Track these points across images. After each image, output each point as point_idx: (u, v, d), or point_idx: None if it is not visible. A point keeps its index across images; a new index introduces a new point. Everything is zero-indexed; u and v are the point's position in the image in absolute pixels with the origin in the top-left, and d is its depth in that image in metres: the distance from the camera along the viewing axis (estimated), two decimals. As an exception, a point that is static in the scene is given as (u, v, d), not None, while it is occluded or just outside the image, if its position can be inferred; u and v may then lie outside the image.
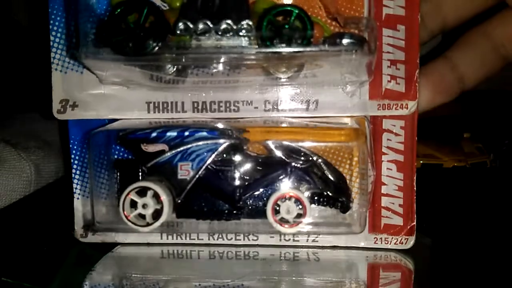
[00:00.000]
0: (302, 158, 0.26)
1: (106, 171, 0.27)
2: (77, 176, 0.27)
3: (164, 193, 0.24)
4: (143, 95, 0.26)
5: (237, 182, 0.25)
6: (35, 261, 0.25)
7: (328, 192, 0.26)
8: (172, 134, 0.25)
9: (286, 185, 0.26)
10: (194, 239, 0.27)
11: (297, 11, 0.21)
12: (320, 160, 0.26)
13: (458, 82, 0.28)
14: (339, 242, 0.27)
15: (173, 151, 0.25)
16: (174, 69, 0.24)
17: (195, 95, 0.26)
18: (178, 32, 0.21)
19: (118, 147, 0.28)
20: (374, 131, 0.26)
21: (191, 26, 0.21)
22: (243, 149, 0.26)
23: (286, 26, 0.21)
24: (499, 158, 0.41)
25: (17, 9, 0.49)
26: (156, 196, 0.24)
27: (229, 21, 0.20)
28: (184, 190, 0.25)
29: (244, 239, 0.27)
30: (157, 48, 0.21)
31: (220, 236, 0.27)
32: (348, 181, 0.26)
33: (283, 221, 0.25)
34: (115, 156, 0.28)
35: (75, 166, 0.27)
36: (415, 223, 0.26)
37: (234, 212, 0.26)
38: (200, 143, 0.25)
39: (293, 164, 0.26)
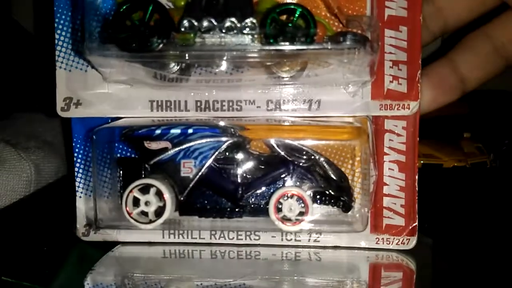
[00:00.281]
0: (304, 157, 0.26)
1: (108, 169, 0.27)
2: (79, 175, 0.27)
3: (167, 191, 0.24)
4: (146, 93, 0.26)
5: (239, 180, 0.26)
6: (35, 261, 0.25)
7: (330, 191, 0.26)
8: (176, 131, 0.25)
9: (288, 183, 0.26)
10: (196, 238, 0.27)
11: (300, 10, 0.21)
12: (322, 159, 0.26)
13: (459, 83, 0.28)
14: (341, 242, 0.27)
15: (176, 149, 0.25)
16: (178, 67, 0.24)
17: (198, 94, 0.26)
18: (183, 29, 0.21)
19: (120, 145, 0.28)
20: (376, 131, 0.26)
21: (195, 23, 0.21)
22: (245, 147, 0.26)
23: (290, 25, 0.21)
24: (499, 158, 0.41)
25: (22, 8, 0.49)
26: (158, 193, 0.24)
27: (233, 19, 0.21)
28: (187, 187, 0.25)
29: (245, 239, 0.27)
30: (161, 45, 0.21)
31: (222, 235, 0.27)
32: (350, 180, 0.26)
33: (285, 219, 0.25)
34: (118, 155, 0.28)
35: (77, 165, 0.27)
36: (417, 223, 0.26)
37: (237, 210, 0.26)
38: (203, 141, 0.25)
39: (295, 162, 0.26)
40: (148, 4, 0.21)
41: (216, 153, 0.25)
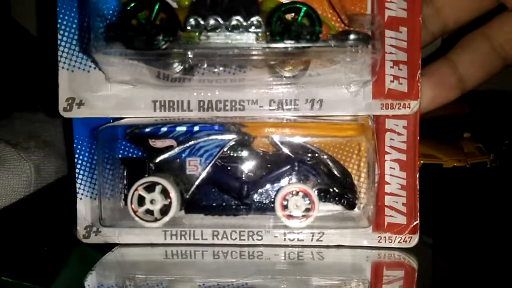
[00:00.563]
0: (309, 155, 0.26)
1: (110, 170, 0.27)
2: (80, 176, 0.27)
3: (173, 189, 0.24)
4: (149, 93, 0.26)
5: (245, 178, 0.26)
6: (35, 261, 0.25)
7: (335, 189, 0.26)
8: (181, 129, 0.25)
9: (294, 180, 0.26)
10: (198, 239, 0.27)
11: (305, 8, 0.21)
12: (326, 157, 0.26)
13: (459, 83, 0.28)
14: (344, 241, 0.27)
15: (182, 147, 0.25)
16: (181, 67, 0.24)
17: (201, 94, 0.26)
18: (189, 27, 0.21)
19: (123, 146, 0.28)
20: (377, 131, 0.26)
21: (201, 22, 0.21)
22: (251, 145, 0.26)
23: (295, 23, 0.21)
24: (499, 158, 0.41)
25: (24, 9, 0.49)
26: (164, 191, 0.24)
27: (239, 17, 0.21)
28: (193, 185, 0.25)
29: (248, 239, 0.27)
30: (167, 43, 0.21)
31: (224, 235, 0.27)
32: (356, 177, 0.27)
33: (291, 216, 0.25)
34: (119, 155, 0.28)
35: (78, 166, 0.27)
36: (418, 221, 0.26)
37: (242, 207, 0.26)
38: (208, 138, 0.25)
39: (300, 160, 0.26)
40: (154, 3, 0.21)
41: (222, 150, 0.25)
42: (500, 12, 0.28)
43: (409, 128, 0.26)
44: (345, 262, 0.26)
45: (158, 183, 0.24)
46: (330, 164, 0.26)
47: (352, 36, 0.22)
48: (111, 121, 0.27)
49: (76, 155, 0.27)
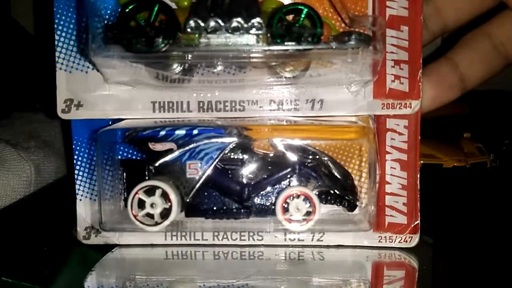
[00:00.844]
0: (310, 157, 0.26)
1: (110, 171, 0.27)
2: (79, 177, 0.27)
3: (173, 192, 0.24)
4: (148, 94, 0.26)
5: (245, 181, 0.25)
6: (35, 261, 0.25)
7: (336, 190, 0.26)
8: (180, 132, 0.25)
9: (294, 183, 0.26)
10: (199, 239, 0.27)
11: (307, 10, 0.21)
12: (326, 158, 0.26)
13: (459, 82, 0.28)
14: (344, 241, 0.27)
15: (182, 150, 0.25)
16: (181, 68, 0.24)
17: (201, 95, 0.26)
18: (189, 30, 0.21)
19: (122, 147, 0.28)
20: (378, 130, 0.26)
21: (201, 24, 0.21)
22: (251, 148, 0.26)
23: (296, 24, 0.21)
24: (499, 158, 0.41)
25: (22, 9, 0.49)
26: (164, 195, 0.24)
27: (239, 19, 0.21)
28: (193, 189, 0.25)
29: (249, 239, 0.27)
30: (167, 46, 0.21)
31: (225, 236, 0.27)
32: (357, 178, 0.26)
33: (292, 219, 0.25)
34: (119, 156, 0.28)
35: (78, 167, 0.27)
36: (419, 221, 0.26)
37: (243, 210, 0.26)
38: (209, 141, 0.25)
39: (300, 162, 0.26)
40: (154, 5, 0.21)
41: (222, 153, 0.25)
42: (501, 11, 0.28)
43: (410, 128, 0.26)
44: (346, 262, 0.26)
45: (158, 187, 0.24)
46: (331, 165, 0.26)
47: (353, 38, 0.22)
48: (110, 122, 0.27)
49: (75, 156, 0.27)
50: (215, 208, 0.26)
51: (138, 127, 0.26)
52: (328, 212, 0.26)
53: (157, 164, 0.25)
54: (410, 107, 0.26)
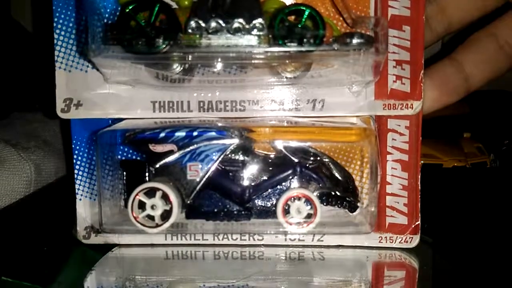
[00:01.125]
0: (311, 158, 0.26)
1: (110, 172, 0.27)
2: (79, 177, 0.27)
3: (173, 194, 0.24)
4: (148, 94, 0.26)
5: (246, 182, 0.25)
6: (35, 261, 0.25)
7: (337, 192, 0.26)
8: (181, 134, 0.25)
9: (295, 185, 0.26)
10: (199, 239, 0.27)
11: (309, 11, 0.21)
12: (327, 160, 0.26)
13: (464, 83, 0.28)
14: (344, 241, 0.27)
15: (182, 151, 0.25)
16: (181, 68, 0.24)
17: (201, 95, 0.26)
18: (190, 30, 0.21)
19: (122, 148, 0.28)
20: (379, 131, 0.26)
21: (203, 24, 0.21)
22: (252, 149, 0.26)
23: (299, 25, 0.21)
24: (499, 158, 0.41)
25: (21, 8, 0.49)
26: (164, 197, 0.24)
27: (241, 20, 0.20)
28: (194, 190, 0.25)
29: (249, 239, 0.27)
30: (167, 47, 0.21)
31: (225, 236, 0.27)
32: (358, 179, 0.26)
33: (293, 221, 0.25)
34: (119, 157, 0.27)
35: (77, 167, 0.27)
36: (419, 222, 0.26)
37: (244, 212, 0.26)
38: (209, 143, 0.25)
39: (302, 164, 0.26)
40: (154, 5, 0.21)
41: (223, 155, 0.25)
42: (505, 11, 0.28)
43: (411, 128, 0.26)
44: (346, 262, 0.26)
45: (158, 189, 0.24)
46: (332, 167, 0.26)
47: (355, 39, 0.22)
48: (110, 122, 0.26)
49: (75, 156, 0.27)
50: (215, 210, 0.26)
51: (138, 128, 0.26)
52: (329, 213, 0.26)
53: (157, 166, 0.25)
54: (412, 108, 0.26)
